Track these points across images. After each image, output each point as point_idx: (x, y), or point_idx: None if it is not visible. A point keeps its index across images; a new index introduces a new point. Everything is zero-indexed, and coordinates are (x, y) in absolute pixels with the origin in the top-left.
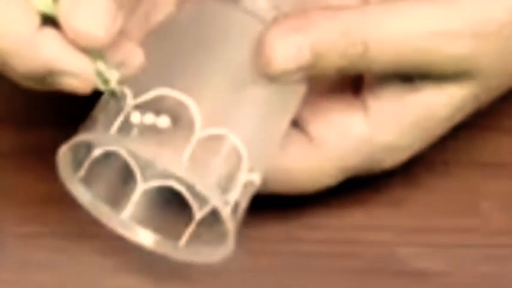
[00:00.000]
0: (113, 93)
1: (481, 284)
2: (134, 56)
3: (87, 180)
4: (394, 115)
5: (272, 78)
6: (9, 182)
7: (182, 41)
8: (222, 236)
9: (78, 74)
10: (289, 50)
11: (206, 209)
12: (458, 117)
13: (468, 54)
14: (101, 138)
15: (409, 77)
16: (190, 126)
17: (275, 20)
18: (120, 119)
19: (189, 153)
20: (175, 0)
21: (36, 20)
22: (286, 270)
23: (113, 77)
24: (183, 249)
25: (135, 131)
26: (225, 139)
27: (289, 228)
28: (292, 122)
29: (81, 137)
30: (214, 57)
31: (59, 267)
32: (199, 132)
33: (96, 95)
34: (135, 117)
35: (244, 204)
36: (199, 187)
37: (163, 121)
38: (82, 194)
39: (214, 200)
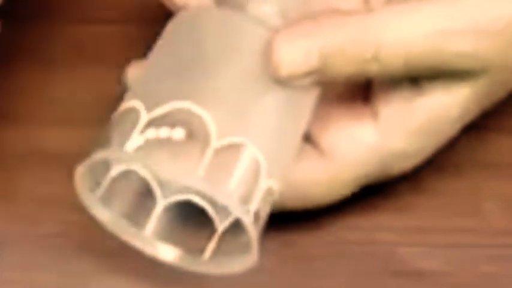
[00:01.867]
0: None
1: (482, 284)
2: None
3: (105, 198)
4: (404, 121)
5: (281, 82)
6: (9, 182)
7: (192, 51)
8: (244, 247)
9: None
10: (297, 54)
11: (228, 221)
12: (468, 117)
13: (476, 52)
14: (117, 155)
15: (416, 80)
16: (205, 137)
17: (283, 25)
18: (135, 135)
19: (206, 165)
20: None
21: None
22: (286, 270)
23: None
24: (206, 262)
25: (150, 146)
26: (241, 148)
27: (289, 228)
28: (303, 136)
29: (97, 156)
30: (225, 67)
31: (59, 268)
32: (215, 142)
33: (99, 96)
34: (150, 133)
35: (265, 213)
36: (219, 198)
37: (178, 134)
38: (102, 212)
39: (235, 210)
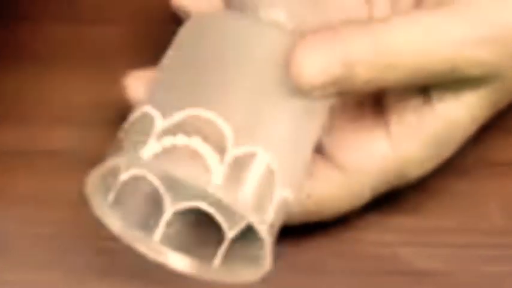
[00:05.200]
0: None
1: (483, 285)
2: None
3: (115, 205)
4: (416, 131)
5: (302, 92)
6: (10, 182)
7: (207, 57)
8: (253, 256)
9: None
10: (319, 63)
11: (238, 228)
12: (479, 123)
13: (491, 60)
14: (133, 162)
15: (426, 91)
16: (221, 145)
17: (303, 35)
18: (151, 141)
19: (222, 173)
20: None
21: None
22: (287, 270)
23: None
24: (217, 271)
25: (166, 153)
26: (257, 156)
27: (289, 229)
28: (316, 149)
29: (111, 162)
30: (242, 73)
31: (59, 268)
32: (232, 150)
33: (103, 98)
34: (167, 140)
35: (278, 223)
36: (235, 206)
37: (195, 142)
38: (112, 220)
39: (252, 219)
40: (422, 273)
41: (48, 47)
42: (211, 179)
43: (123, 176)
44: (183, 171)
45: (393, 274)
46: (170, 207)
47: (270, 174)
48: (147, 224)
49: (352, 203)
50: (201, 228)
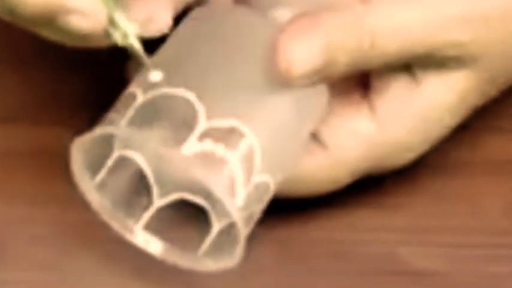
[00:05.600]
0: (131, 50)
1: (482, 285)
2: (160, 15)
3: (101, 186)
4: (401, 112)
5: (290, 82)
6: (10, 181)
7: (203, 47)
8: (232, 242)
9: (85, 12)
10: (301, 55)
11: (225, 221)
12: (464, 109)
13: (473, 40)
14: (120, 133)
15: (411, 71)
16: (197, 119)
17: (282, 25)
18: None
19: (195, 144)
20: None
21: None
22: (286, 270)
23: (131, 31)
24: (191, 258)
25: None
26: (237, 134)
27: (289, 228)
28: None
29: (99, 131)
30: (231, 60)
31: (59, 268)
32: (204, 124)
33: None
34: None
35: (258, 209)
36: (211, 188)
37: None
38: (97, 200)
39: (224, 199)
40: (421, 273)
41: (47, 47)
42: (185, 158)
43: (111, 160)
44: (159, 144)
45: (392, 274)
46: (158, 200)
47: (250, 156)
48: (132, 208)
49: (333, 182)
50: (179, 212)
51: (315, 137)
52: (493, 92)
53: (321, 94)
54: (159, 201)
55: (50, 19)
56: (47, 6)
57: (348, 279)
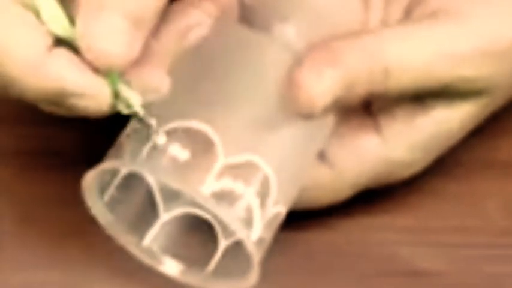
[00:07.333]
0: (138, 118)
1: (483, 285)
2: (158, 82)
3: (111, 205)
4: (407, 135)
5: (311, 116)
6: (9, 181)
7: (210, 69)
8: (245, 266)
9: (92, 94)
10: (325, 89)
11: (232, 238)
12: (468, 129)
13: (480, 75)
14: (129, 166)
15: (420, 96)
16: (214, 155)
17: (299, 58)
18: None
19: (214, 183)
20: (210, 23)
21: (47, 41)
22: (287, 270)
23: (136, 101)
24: (206, 278)
25: (162, 160)
26: (255, 168)
27: (291, 229)
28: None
29: (109, 164)
30: (243, 88)
31: (58, 268)
32: (223, 160)
33: None
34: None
35: (269, 237)
36: (224, 219)
37: (187, 152)
38: (108, 220)
39: (240, 233)
40: (422, 273)
41: None
42: (201, 189)
43: (122, 172)
44: (175, 180)
45: (393, 274)
46: (164, 213)
47: (265, 188)
48: (140, 225)
49: (335, 197)
50: (191, 232)
51: (319, 151)
52: (495, 110)
53: (329, 114)
54: (165, 215)
55: (56, 102)
56: (50, 91)
57: (350, 279)
